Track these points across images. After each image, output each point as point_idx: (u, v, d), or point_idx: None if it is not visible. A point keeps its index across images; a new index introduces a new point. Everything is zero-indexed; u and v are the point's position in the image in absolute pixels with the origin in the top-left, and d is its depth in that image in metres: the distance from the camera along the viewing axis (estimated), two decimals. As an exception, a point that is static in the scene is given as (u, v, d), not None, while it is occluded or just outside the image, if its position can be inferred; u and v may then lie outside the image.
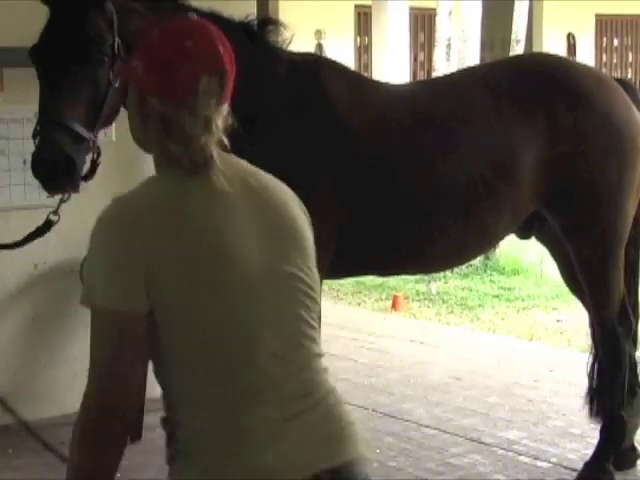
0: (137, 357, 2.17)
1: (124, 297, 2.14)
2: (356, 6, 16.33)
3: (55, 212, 4.25)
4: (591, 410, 5.23)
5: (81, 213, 4.35)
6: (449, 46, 11.59)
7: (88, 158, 4.05)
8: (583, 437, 5.68)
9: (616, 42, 19.82)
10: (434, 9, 12.24)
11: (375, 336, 8.19)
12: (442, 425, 6.02)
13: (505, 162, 4.79)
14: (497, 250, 10.45)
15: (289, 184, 4.73)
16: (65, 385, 5.67)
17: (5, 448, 5.60)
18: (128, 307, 2.14)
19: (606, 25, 19.50)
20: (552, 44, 17.22)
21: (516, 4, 12.40)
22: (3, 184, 5.95)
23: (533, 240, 5.43)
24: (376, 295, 9.91)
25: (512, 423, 6.05)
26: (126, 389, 2.15)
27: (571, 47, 18.60)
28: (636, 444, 5.32)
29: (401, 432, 5.92)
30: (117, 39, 4.01)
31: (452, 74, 6.17)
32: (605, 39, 19.63)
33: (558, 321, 8.80)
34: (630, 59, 20.17)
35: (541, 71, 4.99)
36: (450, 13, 11.73)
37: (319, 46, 15.62)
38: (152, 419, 2.88)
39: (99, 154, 4.09)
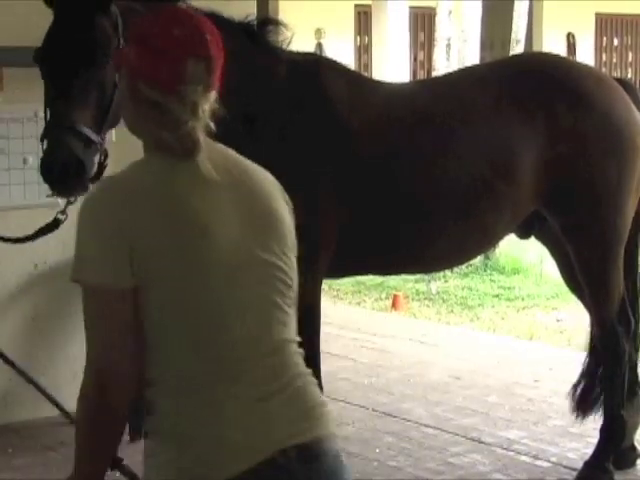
0: (126, 329, 2.22)
1: (109, 272, 2.21)
2: (356, 5, 16.33)
3: (63, 212, 4.30)
4: (584, 408, 5.25)
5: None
6: (449, 46, 11.59)
7: (96, 160, 4.06)
8: (583, 436, 5.68)
9: (616, 42, 19.82)
10: (434, 9, 12.24)
11: (375, 335, 8.19)
12: (442, 424, 6.02)
13: (505, 162, 4.79)
14: (497, 250, 10.45)
15: (289, 184, 4.73)
16: (65, 385, 5.66)
17: (5, 448, 5.60)
18: (113, 282, 2.21)
19: (606, 24, 19.49)
20: (552, 44, 17.21)
21: (516, 4, 12.40)
22: (3, 183, 5.95)
23: (533, 240, 5.43)
24: (376, 294, 9.91)
25: (512, 422, 6.05)
26: (119, 357, 2.21)
27: (571, 47, 18.59)
28: (636, 443, 5.32)
29: (401, 431, 5.92)
30: (122, 41, 4.02)
31: (452, 73, 6.18)
32: (605, 38, 19.62)
33: (558, 320, 8.80)
34: (630, 59, 20.16)
35: (541, 71, 4.99)
36: (450, 13, 11.73)
37: (319, 45, 15.61)
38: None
39: (106, 156, 4.11)
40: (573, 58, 16.15)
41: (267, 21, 4.60)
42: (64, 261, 5.93)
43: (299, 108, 4.53)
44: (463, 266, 10.12)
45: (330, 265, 4.61)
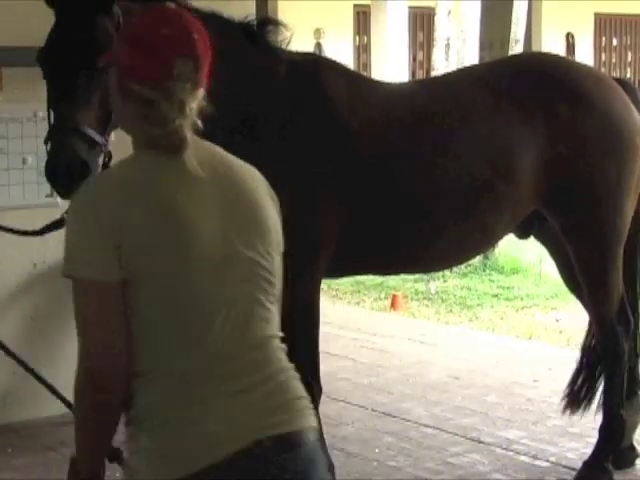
0: (115, 323, 2.29)
1: (98, 267, 2.28)
2: (355, 5, 16.33)
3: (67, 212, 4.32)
4: (575, 403, 5.27)
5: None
6: (448, 46, 11.59)
7: (100, 161, 4.07)
8: (582, 436, 5.69)
9: (615, 41, 19.82)
10: (433, 9, 12.23)
11: (374, 335, 8.19)
12: (441, 424, 6.02)
13: (505, 162, 4.80)
14: (496, 249, 10.46)
15: (289, 184, 4.73)
16: (65, 385, 5.61)
17: (5, 448, 5.60)
18: (101, 276, 2.28)
19: (605, 24, 19.49)
20: (551, 43, 17.22)
21: (515, 4, 12.40)
22: (2, 183, 5.95)
23: (532, 239, 5.43)
24: (375, 294, 9.91)
25: (511, 422, 6.06)
26: (109, 350, 2.28)
27: (570, 46, 18.60)
28: (635, 443, 5.32)
29: (400, 431, 5.92)
30: None
31: (451, 73, 6.18)
32: (604, 38, 19.63)
33: (557, 320, 8.80)
34: (629, 58, 20.16)
35: (541, 71, 4.99)
36: (449, 13, 11.72)
37: (318, 45, 15.61)
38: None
39: (110, 157, 4.12)
40: (572, 58, 16.15)
41: (267, 21, 4.60)
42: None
43: (299, 108, 4.54)
44: (462, 266, 10.13)
45: (330, 265, 4.62)
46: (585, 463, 5.13)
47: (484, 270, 10.79)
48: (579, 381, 5.36)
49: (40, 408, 5.85)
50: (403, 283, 10.05)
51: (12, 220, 5.56)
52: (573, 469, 5.24)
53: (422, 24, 16.98)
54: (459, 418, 6.14)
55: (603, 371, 5.19)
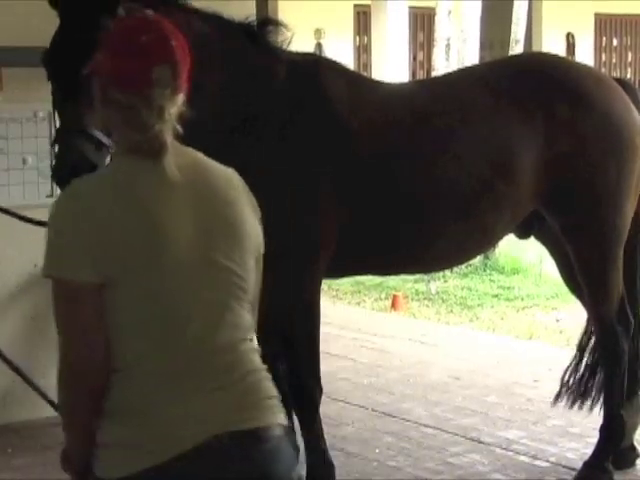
0: (92, 323, 2.38)
1: (75, 269, 2.35)
2: (355, 5, 16.33)
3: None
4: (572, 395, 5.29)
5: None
6: (448, 46, 11.59)
7: (107, 162, 4.07)
8: (582, 436, 5.69)
9: (615, 42, 19.82)
10: (433, 9, 12.24)
11: (374, 336, 8.20)
12: (441, 424, 6.02)
13: (505, 162, 4.80)
14: (496, 250, 10.46)
15: (289, 184, 4.74)
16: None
17: (5, 448, 5.61)
18: (79, 278, 2.35)
19: (605, 25, 19.49)
20: (551, 44, 17.21)
21: (515, 4, 12.40)
22: (2, 184, 5.95)
23: (532, 239, 5.43)
24: (375, 295, 9.91)
25: (511, 422, 6.06)
26: (86, 348, 2.39)
27: (570, 47, 18.60)
28: (635, 443, 5.32)
29: (400, 431, 5.92)
30: None
31: (451, 73, 6.18)
32: (604, 39, 19.63)
33: (557, 320, 8.80)
34: (629, 59, 20.16)
35: (541, 71, 4.99)
36: (449, 13, 11.73)
37: (318, 46, 15.62)
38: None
39: None
40: (572, 58, 16.15)
41: (267, 21, 4.61)
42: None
43: (299, 108, 4.54)
44: (462, 266, 10.13)
45: (330, 265, 4.62)
46: (585, 463, 5.13)
47: (484, 270, 10.80)
48: (575, 378, 5.36)
49: (40, 408, 5.84)
50: (403, 283, 10.05)
51: (12, 220, 5.56)
52: (573, 469, 5.24)
53: (422, 24, 16.98)
54: (459, 418, 6.14)
55: (603, 371, 5.19)
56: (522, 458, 5.50)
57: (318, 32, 15.76)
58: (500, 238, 5.29)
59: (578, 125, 4.86)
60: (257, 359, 2.53)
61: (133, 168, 2.44)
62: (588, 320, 5.31)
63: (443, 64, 11.43)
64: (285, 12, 12.68)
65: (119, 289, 2.36)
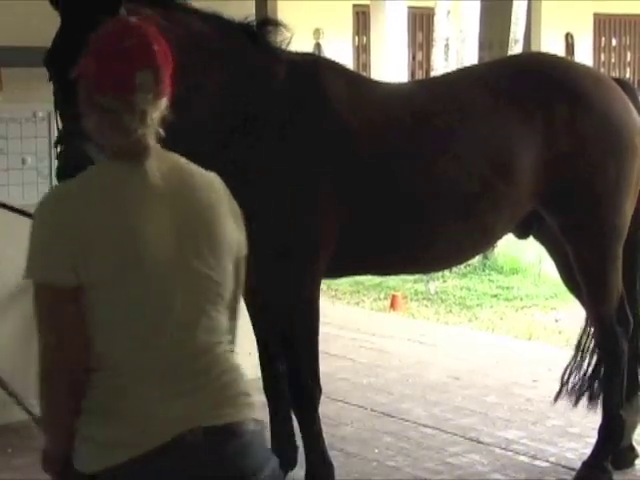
0: (71, 325, 2.43)
1: (55, 272, 2.42)
2: (354, 5, 16.35)
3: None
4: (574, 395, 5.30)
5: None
6: (447, 46, 11.59)
7: None
8: (582, 436, 5.69)
9: (614, 42, 19.84)
10: (432, 9, 12.23)
11: (374, 336, 8.19)
12: (441, 424, 6.02)
13: (504, 162, 4.80)
14: (495, 249, 10.46)
15: (289, 184, 4.73)
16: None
17: (5, 448, 5.61)
18: (58, 281, 2.41)
19: (604, 25, 19.51)
20: (550, 44, 17.23)
21: (514, 4, 12.40)
22: (1, 184, 5.95)
23: (531, 239, 5.43)
24: (375, 295, 9.91)
25: (511, 422, 6.06)
26: (64, 349, 2.43)
27: (569, 47, 18.62)
28: (634, 443, 5.33)
29: (400, 432, 5.92)
30: None
31: (450, 73, 6.18)
32: (603, 39, 19.65)
33: (556, 320, 8.80)
34: (628, 58, 20.18)
35: (540, 71, 4.99)
36: (448, 13, 11.72)
37: (317, 45, 15.63)
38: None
39: None
40: (571, 58, 16.15)
41: (267, 21, 4.61)
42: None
43: (299, 108, 4.54)
44: (462, 266, 10.13)
45: (329, 265, 4.62)
46: (584, 463, 5.13)
47: (483, 270, 10.80)
48: (576, 378, 5.36)
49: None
50: (402, 283, 10.05)
51: (12, 219, 5.56)
52: (572, 469, 5.24)
53: (421, 24, 16.99)
54: (458, 418, 6.14)
55: (603, 371, 5.19)
56: (521, 458, 5.50)
57: (317, 32, 15.77)
58: (499, 238, 5.30)
59: (577, 125, 4.86)
60: (232, 359, 2.59)
61: (115, 172, 2.50)
62: (587, 320, 5.31)
63: (442, 64, 11.43)
64: (284, 12, 12.66)
65: (99, 291, 2.42)
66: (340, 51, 14.31)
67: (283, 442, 4.98)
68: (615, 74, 18.19)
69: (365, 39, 16.37)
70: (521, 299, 9.71)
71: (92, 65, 2.49)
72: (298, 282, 4.57)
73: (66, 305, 2.42)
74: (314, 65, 4.74)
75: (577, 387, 5.34)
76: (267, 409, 4.95)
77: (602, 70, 17.60)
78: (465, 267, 10.45)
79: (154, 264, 2.44)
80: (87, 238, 2.41)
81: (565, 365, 5.47)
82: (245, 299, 4.87)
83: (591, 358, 5.30)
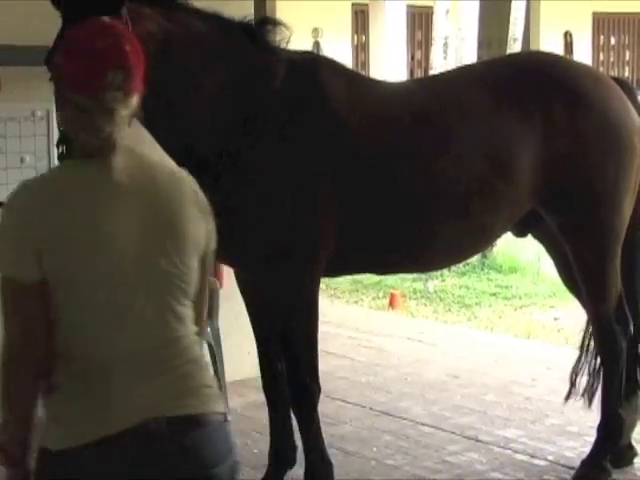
0: (36, 318, 2.49)
1: (18, 267, 2.47)
2: (353, 4, 16.34)
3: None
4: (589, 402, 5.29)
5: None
6: (446, 44, 11.59)
7: None
8: (580, 435, 5.69)
9: (613, 40, 19.84)
10: (431, 7, 12.24)
11: (372, 334, 8.19)
12: (439, 423, 6.03)
13: (503, 161, 4.80)
14: (494, 248, 10.46)
15: (289, 184, 4.72)
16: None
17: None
18: (22, 276, 2.47)
19: (603, 23, 19.51)
20: (549, 42, 17.23)
21: (513, 2, 12.40)
22: (0, 182, 5.94)
23: (530, 238, 5.44)
24: (373, 293, 9.91)
25: (509, 421, 6.06)
26: (28, 341, 2.49)
27: (568, 45, 18.61)
28: (633, 442, 5.33)
29: (398, 430, 5.92)
30: None
31: (449, 72, 6.17)
32: (602, 37, 19.65)
33: (555, 319, 8.80)
34: (627, 57, 20.18)
35: (539, 70, 4.99)
36: (447, 11, 11.73)
37: (316, 44, 15.62)
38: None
39: None
40: (570, 57, 16.15)
41: (266, 21, 4.60)
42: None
43: (298, 108, 4.54)
44: (460, 265, 10.13)
45: (329, 264, 4.62)
46: (583, 462, 5.14)
47: (482, 269, 10.80)
48: (580, 378, 5.36)
49: (39, 408, 5.84)
50: (401, 282, 10.05)
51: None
52: (571, 468, 5.25)
53: (420, 23, 16.99)
54: (457, 417, 6.14)
55: (602, 370, 5.19)
56: (520, 457, 5.51)
57: (316, 31, 15.76)
58: (498, 237, 5.30)
59: (576, 124, 4.86)
60: (197, 352, 2.63)
61: (81, 168, 2.55)
62: (587, 321, 5.30)
63: (441, 63, 11.43)
64: (283, 11, 12.66)
65: (62, 287, 2.47)
66: (339, 50, 14.30)
67: (282, 441, 4.98)
68: (614, 73, 18.20)
69: (364, 38, 16.36)
70: (520, 298, 9.71)
71: (65, 63, 2.54)
72: (298, 282, 4.57)
73: (31, 298, 2.48)
74: (314, 64, 4.73)
75: (588, 387, 5.32)
76: (267, 408, 4.96)
77: (601, 69, 17.61)
78: (464, 266, 10.46)
79: (118, 260, 2.49)
80: (51, 234, 2.46)
81: (565, 365, 5.47)
82: (245, 299, 4.91)
83: (596, 358, 5.29)
